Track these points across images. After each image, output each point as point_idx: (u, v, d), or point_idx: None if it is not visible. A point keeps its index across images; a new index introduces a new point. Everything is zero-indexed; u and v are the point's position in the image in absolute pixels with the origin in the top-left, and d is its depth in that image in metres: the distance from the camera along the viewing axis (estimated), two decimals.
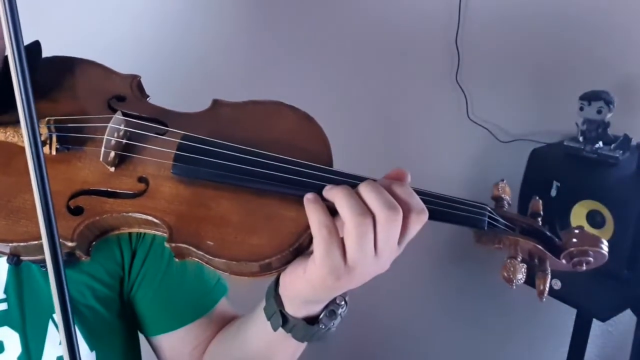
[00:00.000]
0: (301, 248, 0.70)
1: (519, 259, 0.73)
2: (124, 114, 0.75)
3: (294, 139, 0.75)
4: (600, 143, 1.65)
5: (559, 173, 1.68)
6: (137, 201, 0.71)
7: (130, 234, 0.86)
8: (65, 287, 0.53)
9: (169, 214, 0.70)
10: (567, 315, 1.84)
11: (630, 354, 1.72)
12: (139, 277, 0.88)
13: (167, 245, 0.68)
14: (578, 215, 1.63)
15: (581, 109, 1.66)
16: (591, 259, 0.74)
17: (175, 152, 0.72)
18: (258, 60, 1.63)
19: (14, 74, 0.48)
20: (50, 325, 0.82)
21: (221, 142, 0.72)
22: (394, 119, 1.84)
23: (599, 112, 1.64)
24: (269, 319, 0.75)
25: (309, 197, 0.68)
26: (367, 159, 1.75)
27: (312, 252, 0.68)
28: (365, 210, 0.64)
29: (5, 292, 0.81)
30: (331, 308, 0.74)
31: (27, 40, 0.53)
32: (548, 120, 1.91)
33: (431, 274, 2.01)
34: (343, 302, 0.75)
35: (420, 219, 0.67)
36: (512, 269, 0.72)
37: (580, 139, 1.68)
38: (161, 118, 0.77)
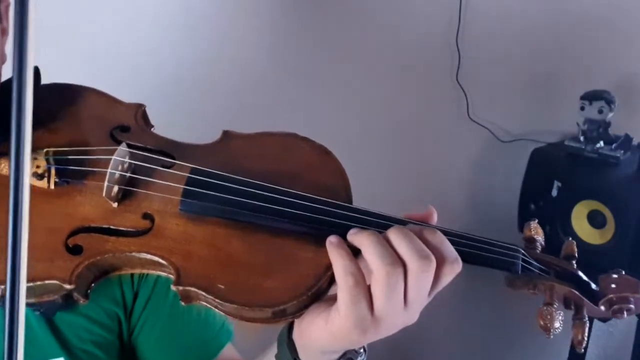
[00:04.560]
0: (319, 292, 0.64)
1: (555, 306, 0.68)
2: (129, 146, 0.70)
3: (311, 173, 0.70)
4: (602, 143, 1.65)
5: (560, 173, 1.67)
6: (141, 240, 0.66)
7: (133, 277, 0.81)
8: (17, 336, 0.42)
9: (176, 254, 0.64)
10: (568, 315, 1.81)
11: (631, 355, 1.71)
12: (140, 320, 0.83)
13: (173, 288, 0.63)
14: (579, 215, 1.63)
15: (582, 108, 1.65)
16: (632, 306, 0.70)
17: (184, 187, 0.67)
18: (257, 59, 1.62)
19: (15, 94, 0.41)
20: None
21: (233, 176, 0.67)
22: (393, 118, 1.83)
23: (600, 111, 1.63)
24: None
25: (332, 240, 0.62)
26: (366, 159, 1.77)
27: (330, 298, 0.63)
28: (396, 259, 0.59)
29: None
30: (349, 357, 0.68)
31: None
32: (549, 119, 1.90)
33: None
34: (362, 350, 0.69)
35: (453, 269, 0.62)
36: (549, 316, 0.68)
37: (582, 138, 1.68)
38: (168, 150, 0.73)
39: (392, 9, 1.74)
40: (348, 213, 0.66)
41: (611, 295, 0.70)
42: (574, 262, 0.73)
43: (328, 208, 0.66)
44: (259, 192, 0.66)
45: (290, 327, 0.69)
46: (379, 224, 0.65)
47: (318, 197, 0.66)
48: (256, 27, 1.61)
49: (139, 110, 0.77)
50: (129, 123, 0.75)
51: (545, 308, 0.68)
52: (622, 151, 1.63)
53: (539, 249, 0.73)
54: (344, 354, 0.69)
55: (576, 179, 1.65)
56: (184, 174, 0.68)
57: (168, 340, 0.85)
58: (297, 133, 0.74)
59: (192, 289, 0.63)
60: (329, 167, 0.72)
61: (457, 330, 2.06)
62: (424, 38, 1.78)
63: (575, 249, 0.74)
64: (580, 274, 0.72)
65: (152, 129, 0.77)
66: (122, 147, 0.69)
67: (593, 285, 0.72)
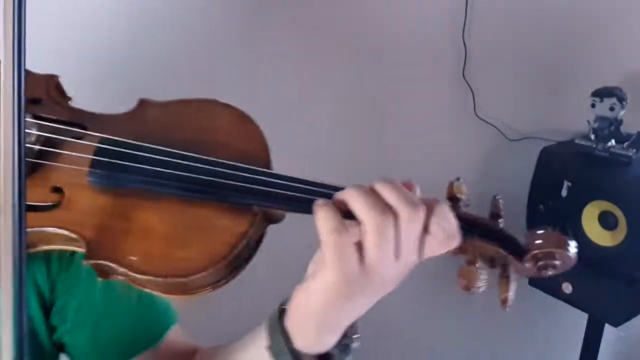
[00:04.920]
0: (237, 260, 0.64)
1: (477, 265, 0.67)
2: (39, 118, 0.69)
3: (228, 139, 0.70)
4: (613, 141, 1.62)
5: (570, 172, 1.65)
6: (51, 214, 0.65)
7: (49, 265, 0.78)
8: None
9: (86, 227, 0.64)
10: (578, 320, 1.80)
11: None
12: (65, 308, 0.79)
13: (85, 263, 0.63)
14: (590, 216, 1.61)
15: (593, 105, 1.63)
16: (557, 262, 0.68)
17: (92, 157, 0.66)
18: (255, 54, 1.59)
19: None
20: None
21: (143, 144, 0.67)
22: (398, 116, 1.81)
23: (612, 109, 1.61)
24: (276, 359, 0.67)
25: (318, 202, 0.62)
26: (370, 156, 1.76)
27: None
28: (387, 207, 0.61)
29: None
30: (344, 342, 0.68)
31: None
32: (558, 117, 1.88)
33: (436, 276, 1.98)
34: (356, 336, 0.69)
35: (442, 219, 0.63)
36: (470, 276, 0.66)
37: (592, 137, 1.65)
38: (80, 121, 0.72)
39: (398, 4, 1.72)
40: (265, 178, 0.65)
41: (536, 251, 0.68)
42: (499, 220, 0.71)
43: (241, 173, 0.65)
44: (171, 159, 0.66)
45: (281, 314, 0.67)
46: (303, 189, 0.65)
47: (232, 163, 0.66)
48: (258, 20, 1.58)
49: (52, 82, 0.77)
50: (40, 95, 0.75)
51: (465, 267, 0.67)
52: (634, 150, 1.61)
53: (462, 207, 0.72)
54: (340, 340, 0.67)
55: (587, 178, 1.63)
56: (93, 144, 0.68)
57: (100, 327, 0.81)
58: (217, 99, 0.73)
59: (104, 262, 0.62)
60: (248, 134, 0.71)
61: (460, 337, 2.03)
62: (429, 33, 1.76)
63: (501, 207, 0.72)
64: (505, 231, 0.70)
65: (68, 101, 0.76)
66: (27, 119, 0.68)
67: (519, 243, 0.70)
